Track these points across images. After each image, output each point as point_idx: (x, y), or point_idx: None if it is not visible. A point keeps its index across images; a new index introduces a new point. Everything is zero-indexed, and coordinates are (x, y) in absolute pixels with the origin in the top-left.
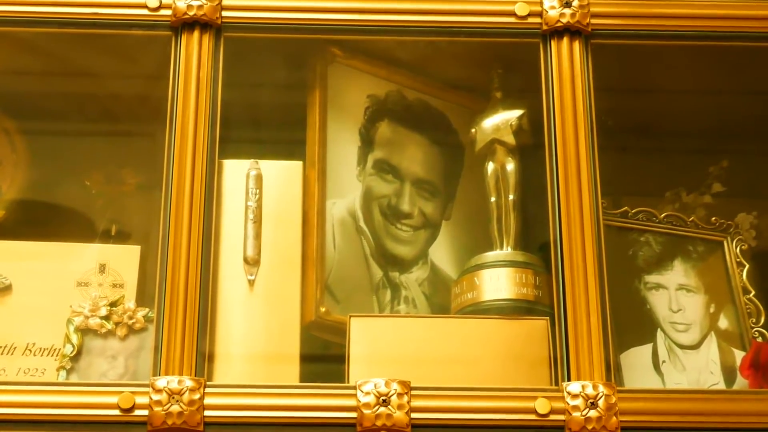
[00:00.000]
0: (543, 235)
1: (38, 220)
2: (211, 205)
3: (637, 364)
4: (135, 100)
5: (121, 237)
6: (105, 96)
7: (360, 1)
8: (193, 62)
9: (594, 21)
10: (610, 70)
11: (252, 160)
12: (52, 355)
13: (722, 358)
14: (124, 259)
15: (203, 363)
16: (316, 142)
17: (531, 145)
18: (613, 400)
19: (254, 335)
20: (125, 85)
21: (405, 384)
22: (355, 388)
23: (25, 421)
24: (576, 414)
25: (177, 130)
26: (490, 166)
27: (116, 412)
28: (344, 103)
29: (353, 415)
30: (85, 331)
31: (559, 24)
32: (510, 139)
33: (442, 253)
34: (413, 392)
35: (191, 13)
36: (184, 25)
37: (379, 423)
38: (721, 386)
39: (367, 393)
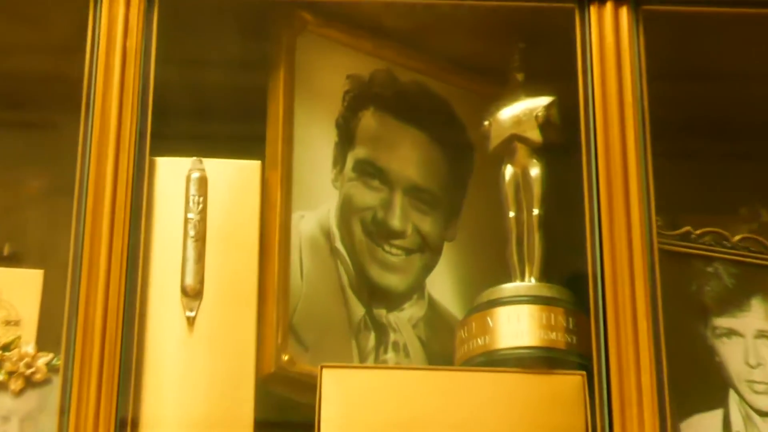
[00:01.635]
0: (578, 262)
1: None
2: (139, 218)
3: None
4: (40, 80)
5: (17, 259)
6: (1, 74)
7: None
8: (118, 31)
9: None
10: (667, 46)
11: (194, 158)
12: None
13: None
14: (21, 287)
15: (125, 431)
16: (279, 137)
17: (563, 143)
18: None
19: (194, 393)
20: (29, 61)
21: None
22: None
23: None
24: None
25: (95, 118)
26: (509, 171)
27: None
28: (317, 85)
29: None
30: None
31: None
32: (535, 136)
33: (443, 285)
34: None
35: None
36: None
37: None
38: None
39: None
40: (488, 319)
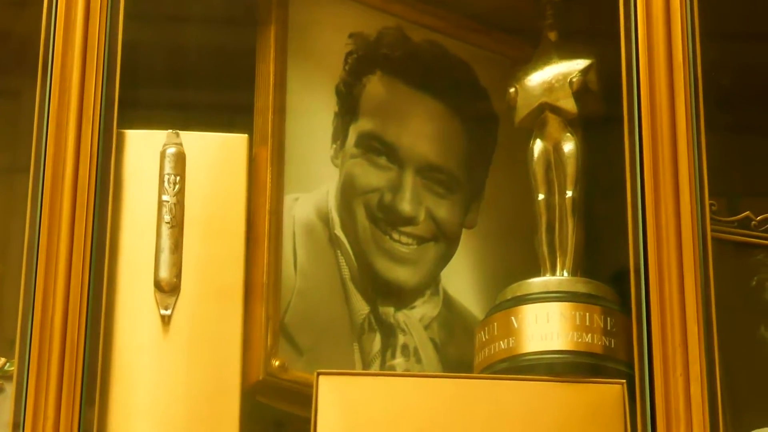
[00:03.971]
0: (618, 253)
1: None
2: (106, 200)
3: None
4: None
5: None
6: None
7: None
8: None
9: None
10: (724, 3)
11: (169, 131)
12: None
13: None
14: None
15: None
16: (269, 107)
17: (601, 114)
18: None
19: (170, 404)
20: None
21: None
22: None
23: None
24: None
25: (53, 84)
26: (538, 146)
27: None
28: (313, 45)
29: None
30: None
31: None
32: (569, 105)
33: (461, 279)
34: None
35: None
36: None
37: None
38: None
39: None
40: (513, 318)
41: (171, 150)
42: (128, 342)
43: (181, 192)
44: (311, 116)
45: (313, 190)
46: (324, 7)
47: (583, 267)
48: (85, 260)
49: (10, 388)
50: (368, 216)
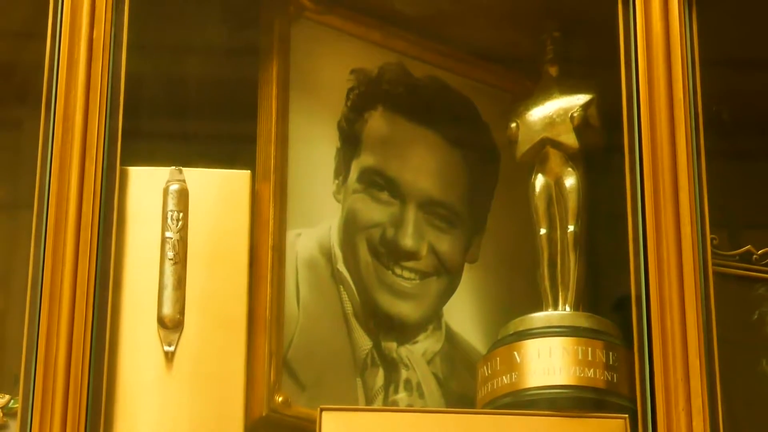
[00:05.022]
0: (620, 288)
1: None
2: (109, 237)
3: None
4: None
5: None
6: None
7: None
8: (84, 16)
9: None
10: (724, 35)
11: (173, 167)
12: None
13: None
14: None
15: None
16: (271, 142)
17: (602, 148)
18: None
19: None
20: None
21: None
22: None
23: None
24: None
25: (57, 119)
26: (540, 181)
27: None
28: (316, 81)
29: None
30: None
31: None
32: (570, 140)
33: (463, 314)
34: None
35: None
36: None
37: None
38: None
39: None
40: (515, 353)
41: (174, 187)
42: (132, 379)
43: (184, 229)
44: (313, 152)
45: (316, 226)
46: (325, 43)
47: (585, 301)
48: (88, 297)
49: (15, 426)
50: (370, 251)
